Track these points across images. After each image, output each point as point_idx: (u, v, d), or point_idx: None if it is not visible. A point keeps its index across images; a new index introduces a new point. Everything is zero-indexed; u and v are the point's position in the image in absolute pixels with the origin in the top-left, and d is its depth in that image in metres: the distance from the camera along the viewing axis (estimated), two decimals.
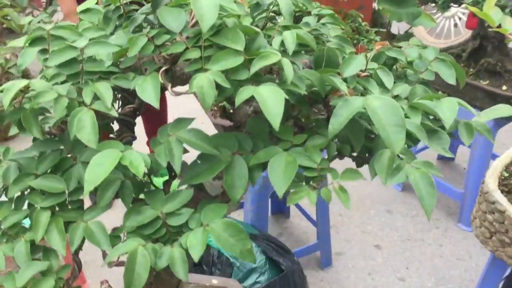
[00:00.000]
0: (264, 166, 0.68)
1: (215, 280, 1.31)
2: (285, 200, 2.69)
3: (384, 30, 4.32)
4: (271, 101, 0.58)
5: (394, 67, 0.89)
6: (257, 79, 0.64)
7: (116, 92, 0.74)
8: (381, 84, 0.80)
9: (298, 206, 2.41)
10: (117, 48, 0.66)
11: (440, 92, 0.80)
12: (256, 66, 0.62)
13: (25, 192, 0.69)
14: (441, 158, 3.00)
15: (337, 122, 0.64)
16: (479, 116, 0.78)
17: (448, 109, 0.73)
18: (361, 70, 0.82)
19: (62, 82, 0.66)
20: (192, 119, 0.67)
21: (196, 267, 1.89)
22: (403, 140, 0.62)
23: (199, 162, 0.66)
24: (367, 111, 0.62)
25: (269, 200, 2.56)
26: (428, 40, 4.45)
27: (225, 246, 0.61)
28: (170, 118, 0.56)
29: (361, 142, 0.69)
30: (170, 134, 0.65)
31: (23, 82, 0.62)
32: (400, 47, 0.89)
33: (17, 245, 0.65)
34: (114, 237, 0.66)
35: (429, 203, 0.63)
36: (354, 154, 0.76)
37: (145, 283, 0.60)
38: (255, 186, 1.94)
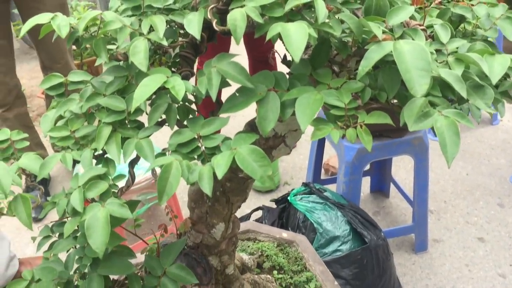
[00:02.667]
0: None
1: (285, 234, 1.36)
2: (386, 179, 2.67)
3: None
4: (294, 35, 0.62)
5: (462, 25, 0.86)
6: (292, 18, 0.69)
7: (179, 33, 0.82)
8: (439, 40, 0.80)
9: (397, 186, 2.37)
10: None
11: None
12: (290, 4, 0.66)
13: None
14: None
15: (366, 64, 0.66)
16: None
17: (499, 64, 0.71)
18: (419, 25, 0.82)
19: (130, 16, 0.77)
20: (234, 55, 0.73)
21: (283, 227, 1.96)
22: (426, 84, 0.62)
23: (237, 94, 0.73)
24: (394, 54, 0.63)
25: (369, 178, 2.54)
26: None
27: (247, 169, 0.67)
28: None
29: (395, 89, 0.70)
30: (213, 66, 0.72)
31: (95, 13, 0.74)
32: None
33: (84, 152, 0.78)
34: (161, 154, 0.75)
35: (452, 151, 0.63)
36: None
37: (174, 192, 0.68)
38: (348, 158, 1.95)
